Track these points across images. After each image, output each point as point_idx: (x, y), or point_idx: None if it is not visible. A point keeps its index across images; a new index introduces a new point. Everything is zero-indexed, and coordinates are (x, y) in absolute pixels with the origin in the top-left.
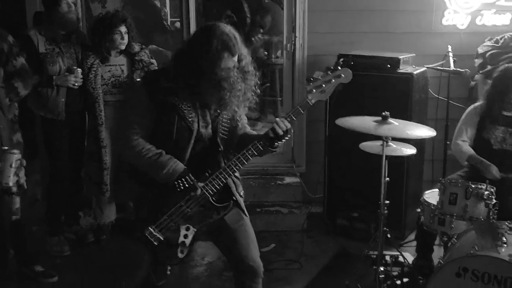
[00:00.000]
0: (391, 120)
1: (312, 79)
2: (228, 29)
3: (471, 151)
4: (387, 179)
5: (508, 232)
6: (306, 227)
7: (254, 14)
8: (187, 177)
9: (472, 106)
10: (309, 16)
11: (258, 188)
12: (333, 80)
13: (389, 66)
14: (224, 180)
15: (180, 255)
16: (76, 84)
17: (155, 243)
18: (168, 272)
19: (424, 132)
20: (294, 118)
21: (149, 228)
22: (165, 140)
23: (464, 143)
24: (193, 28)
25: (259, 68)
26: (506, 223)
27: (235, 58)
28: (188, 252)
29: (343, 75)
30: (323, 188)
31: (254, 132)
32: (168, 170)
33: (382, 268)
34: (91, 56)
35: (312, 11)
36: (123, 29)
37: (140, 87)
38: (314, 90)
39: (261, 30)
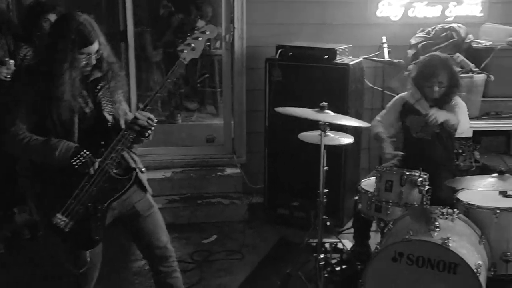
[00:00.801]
0: (328, 112)
1: (180, 39)
2: (84, 17)
3: (378, 130)
4: (326, 168)
5: (441, 217)
6: (247, 217)
7: (194, 4)
8: (81, 153)
9: (400, 94)
10: (248, 7)
11: (198, 180)
12: (200, 37)
13: (326, 57)
14: (120, 152)
15: (95, 238)
16: (9, 76)
17: (66, 230)
18: (88, 259)
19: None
20: (170, 80)
21: (56, 216)
22: (50, 125)
23: (378, 123)
24: (129, 19)
25: (199, 59)
26: (439, 208)
27: (94, 46)
28: (102, 235)
29: (208, 32)
30: (264, 178)
31: None
32: (61, 150)
33: (322, 256)
34: (24, 47)
35: (250, 2)
36: (52, 17)
37: (22, 77)
38: (185, 50)
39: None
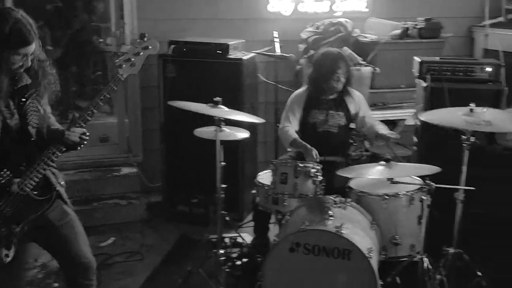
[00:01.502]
0: (221, 107)
1: (120, 53)
2: (21, 14)
3: (294, 136)
4: (223, 163)
5: (334, 205)
6: (146, 217)
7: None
8: (1, 173)
9: (295, 93)
10: (139, 2)
11: (94, 181)
12: (142, 53)
13: (219, 52)
14: (42, 172)
15: (5, 259)
16: None
17: None
18: None
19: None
20: (102, 104)
21: None
22: None
23: (289, 128)
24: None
25: (91, 56)
26: (332, 198)
27: (32, 46)
28: (16, 254)
29: (150, 47)
30: (162, 176)
31: (57, 125)
32: None
33: (222, 251)
34: None
35: None
36: None
37: None
38: (124, 65)
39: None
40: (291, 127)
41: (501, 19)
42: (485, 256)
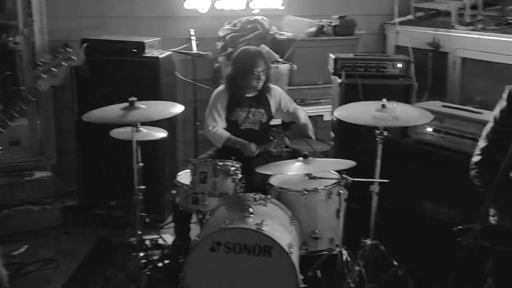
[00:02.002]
0: (139, 104)
1: (41, 63)
2: None
3: (226, 134)
4: (141, 164)
5: (254, 203)
6: (62, 222)
7: None
8: None
9: (216, 91)
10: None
11: (3, 188)
12: (65, 64)
13: (134, 50)
14: None
15: None
16: None
17: None
18: None
19: (174, 108)
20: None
21: None
22: None
23: (218, 127)
24: None
25: None
26: (252, 195)
27: None
28: None
29: (74, 57)
30: (78, 179)
31: None
32: None
33: (142, 254)
34: None
35: None
36: None
37: None
38: (44, 75)
39: None
40: (219, 125)
41: (410, 17)
42: (400, 246)
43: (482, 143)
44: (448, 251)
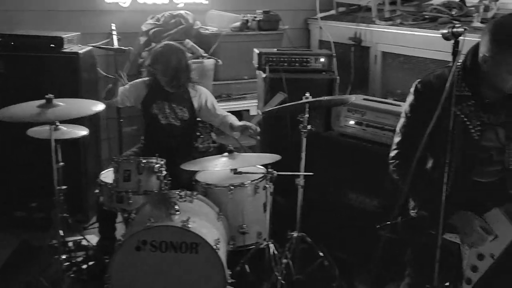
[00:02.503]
0: (56, 101)
1: None
2: None
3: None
4: (61, 163)
5: (180, 200)
6: None
7: None
8: None
9: (137, 80)
10: None
11: None
12: None
13: (52, 46)
14: None
15: None
16: None
17: None
18: None
19: (95, 106)
20: None
21: None
22: None
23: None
24: None
25: None
26: (177, 192)
27: None
28: None
29: None
30: None
31: None
32: None
33: (65, 256)
34: None
35: None
36: None
37: None
38: None
39: None
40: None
41: (332, 12)
42: (326, 237)
43: (396, 138)
44: (371, 240)
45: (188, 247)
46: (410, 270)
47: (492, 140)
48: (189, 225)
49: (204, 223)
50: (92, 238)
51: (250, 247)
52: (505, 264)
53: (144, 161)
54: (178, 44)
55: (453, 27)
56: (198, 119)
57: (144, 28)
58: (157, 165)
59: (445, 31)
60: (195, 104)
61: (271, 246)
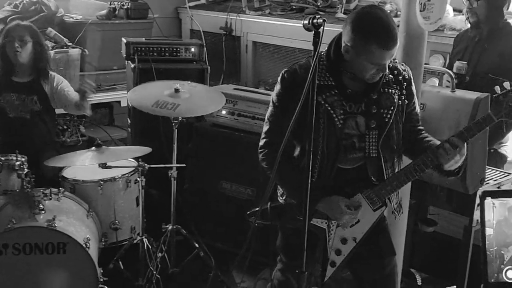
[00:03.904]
0: None
1: None
2: None
3: None
4: None
5: (45, 198)
6: None
7: None
8: None
9: None
10: None
11: None
12: None
13: None
14: None
15: None
16: None
17: None
18: None
19: None
20: None
21: None
22: None
23: None
24: None
25: None
26: (41, 190)
27: None
28: None
29: None
30: None
31: None
32: None
33: None
34: None
35: None
36: None
37: None
38: None
39: None
40: None
41: (203, 1)
42: (201, 228)
43: (265, 127)
44: (246, 228)
45: (55, 248)
46: (282, 256)
47: (354, 128)
48: (56, 224)
49: (72, 221)
50: None
51: (124, 243)
52: (366, 247)
53: (2, 158)
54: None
55: (314, 18)
56: (54, 109)
57: (0, 15)
58: (18, 162)
59: (305, 22)
60: (48, 92)
61: (145, 240)
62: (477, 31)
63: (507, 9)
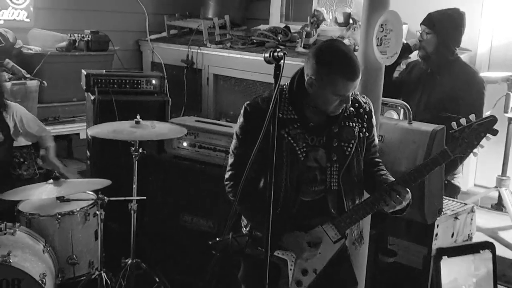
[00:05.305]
0: None
1: None
2: None
3: None
4: None
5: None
6: None
7: None
8: None
9: None
10: None
11: None
12: None
13: None
14: None
15: None
16: None
17: None
18: None
19: None
20: None
21: None
22: None
23: None
24: None
25: None
26: None
27: None
28: None
29: None
30: None
31: None
32: None
33: None
34: None
35: None
36: None
37: None
38: None
39: None
40: None
41: (164, 34)
42: (162, 261)
43: (230, 159)
44: (207, 259)
45: (9, 284)
46: (244, 286)
47: (316, 161)
48: (10, 260)
49: (28, 257)
50: None
51: (81, 279)
52: (328, 278)
53: None
54: None
55: (274, 51)
56: (15, 142)
57: None
58: None
59: (266, 55)
60: (10, 124)
61: (104, 275)
62: (428, 63)
63: (457, 47)
